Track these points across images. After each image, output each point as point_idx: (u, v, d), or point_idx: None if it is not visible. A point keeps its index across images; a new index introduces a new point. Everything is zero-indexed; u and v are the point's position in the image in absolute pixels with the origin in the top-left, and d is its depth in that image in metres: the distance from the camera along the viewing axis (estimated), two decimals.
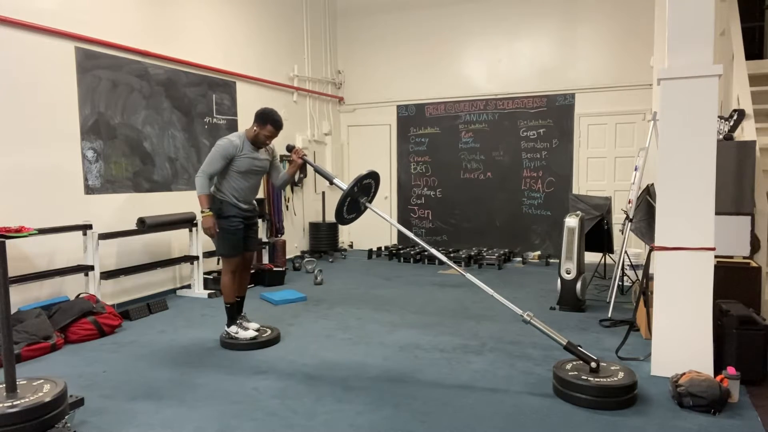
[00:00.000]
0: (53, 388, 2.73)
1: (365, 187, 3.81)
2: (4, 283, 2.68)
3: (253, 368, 3.75)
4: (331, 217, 8.89)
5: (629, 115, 7.58)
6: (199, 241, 5.94)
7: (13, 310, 4.05)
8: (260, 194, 6.95)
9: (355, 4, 9.05)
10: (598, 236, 6.09)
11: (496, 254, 7.74)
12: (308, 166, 4.33)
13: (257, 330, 4.30)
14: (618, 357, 3.81)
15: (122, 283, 5.46)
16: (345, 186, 3.73)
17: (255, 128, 4.14)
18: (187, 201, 6.18)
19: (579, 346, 3.32)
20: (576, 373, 3.21)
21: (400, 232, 9.12)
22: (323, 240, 8.45)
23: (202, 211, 4.05)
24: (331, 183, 4.01)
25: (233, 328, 4.26)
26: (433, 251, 3.70)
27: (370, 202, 3.89)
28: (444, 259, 3.67)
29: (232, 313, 4.29)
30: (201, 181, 4.03)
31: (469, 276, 3.60)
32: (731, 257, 4.24)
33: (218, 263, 6.15)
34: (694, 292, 3.38)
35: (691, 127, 3.34)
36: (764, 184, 4.80)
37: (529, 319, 3.38)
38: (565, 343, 3.27)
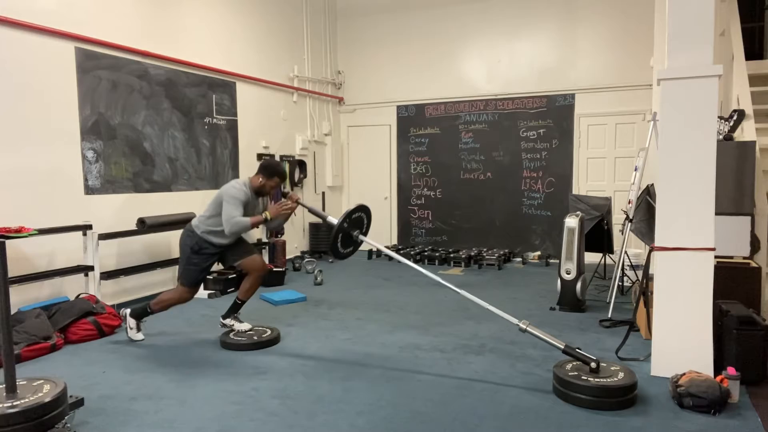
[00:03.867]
0: (53, 388, 2.73)
1: (356, 220, 3.93)
2: (4, 284, 2.68)
3: (253, 368, 3.75)
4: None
5: (629, 115, 7.58)
6: None
7: (13, 311, 4.05)
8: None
9: (355, 5, 9.06)
10: (598, 236, 6.09)
11: (496, 254, 7.74)
12: (307, 209, 4.38)
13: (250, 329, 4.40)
14: (618, 357, 3.81)
15: (122, 284, 5.46)
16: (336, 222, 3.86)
17: (261, 180, 4.20)
18: (187, 201, 6.19)
19: (577, 348, 3.32)
20: (576, 373, 3.21)
21: (400, 233, 9.12)
22: (323, 240, 8.45)
23: (266, 219, 4.08)
24: (325, 221, 4.12)
25: (229, 320, 4.36)
26: (435, 276, 3.81)
27: (366, 233, 4.01)
28: (441, 281, 3.74)
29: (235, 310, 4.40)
30: (237, 222, 4.00)
31: (463, 293, 3.70)
32: (731, 257, 4.24)
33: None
34: (694, 293, 3.38)
35: (691, 128, 3.34)
36: (764, 184, 4.80)
37: (525, 327, 3.40)
38: (563, 347, 3.28)
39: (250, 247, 4.41)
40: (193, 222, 4.25)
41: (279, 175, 4.24)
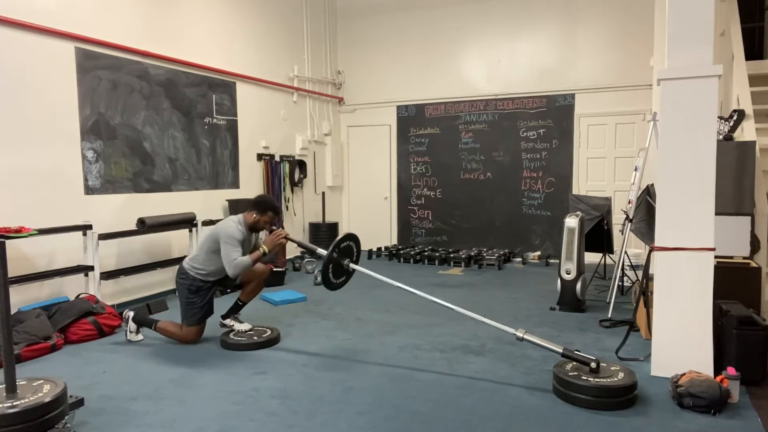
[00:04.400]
0: (53, 388, 2.73)
1: (346, 249, 3.96)
2: (4, 284, 2.68)
3: (253, 368, 3.75)
4: (331, 218, 8.90)
5: (629, 115, 7.58)
6: (199, 242, 5.93)
7: (13, 311, 4.04)
8: (261, 192, 6.93)
9: (355, 5, 9.05)
10: (598, 236, 6.09)
11: (496, 255, 7.74)
12: (296, 244, 4.41)
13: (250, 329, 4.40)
14: (618, 357, 3.81)
15: (122, 284, 5.46)
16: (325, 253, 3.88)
17: (255, 216, 4.18)
18: (186, 201, 6.19)
19: (576, 349, 3.32)
20: (576, 373, 3.20)
21: (400, 233, 9.12)
22: (323, 240, 8.43)
23: (265, 253, 4.06)
24: (314, 254, 4.13)
25: (229, 320, 4.37)
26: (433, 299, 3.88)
27: (356, 261, 4.03)
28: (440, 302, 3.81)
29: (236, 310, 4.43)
30: (238, 263, 3.97)
31: (458, 309, 3.74)
32: (731, 257, 4.24)
33: None
34: (694, 293, 3.37)
35: (691, 128, 3.34)
36: (764, 184, 4.80)
37: (522, 335, 3.40)
38: (561, 351, 3.28)
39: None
40: (185, 264, 4.24)
41: (272, 210, 4.21)
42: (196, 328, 4.26)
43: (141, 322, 4.38)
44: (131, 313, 4.40)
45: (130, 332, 4.35)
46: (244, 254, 4.09)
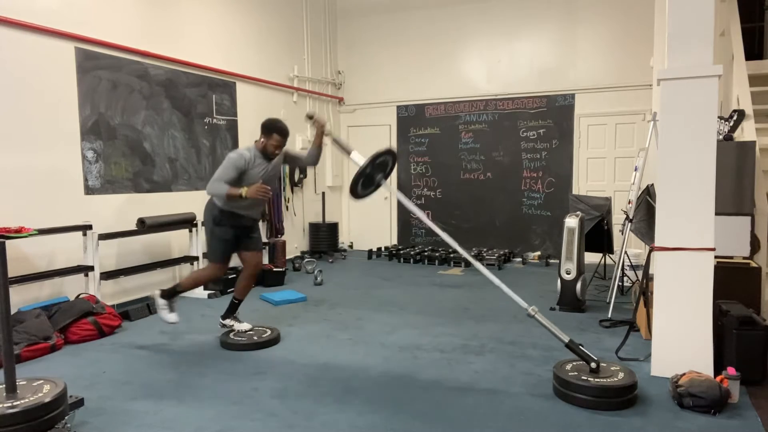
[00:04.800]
0: (53, 388, 2.73)
1: (381, 164, 3.77)
2: (4, 284, 2.68)
3: (253, 368, 3.75)
4: (330, 218, 8.90)
5: (629, 115, 7.58)
6: (199, 242, 5.94)
7: (13, 311, 4.05)
8: None
9: (355, 5, 9.05)
10: (598, 236, 6.09)
11: (496, 254, 7.74)
12: (332, 139, 4.31)
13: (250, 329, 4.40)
14: (618, 357, 3.81)
15: (122, 284, 5.46)
16: (361, 162, 3.66)
17: (262, 140, 4.19)
18: (186, 201, 6.19)
19: (580, 345, 3.32)
20: (576, 373, 3.21)
21: (400, 233, 9.11)
22: (323, 240, 8.44)
23: (241, 196, 3.93)
24: (349, 155, 3.97)
25: (228, 321, 4.38)
26: (458, 247, 3.69)
27: (386, 178, 3.86)
28: (464, 254, 3.68)
29: (233, 309, 4.42)
30: (218, 186, 3.95)
31: (478, 265, 3.61)
32: (731, 258, 4.24)
33: None
34: (694, 293, 3.37)
35: (691, 128, 3.34)
36: (764, 184, 4.80)
37: (533, 313, 3.38)
38: (566, 341, 3.27)
39: (259, 244, 4.45)
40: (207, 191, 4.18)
41: (277, 131, 4.17)
42: (220, 265, 4.25)
43: (168, 294, 4.27)
44: (157, 292, 4.30)
45: (162, 309, 4.26)
46: (252, 181, 4.01)
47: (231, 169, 3.98)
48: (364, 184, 3.76)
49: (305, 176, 8.22)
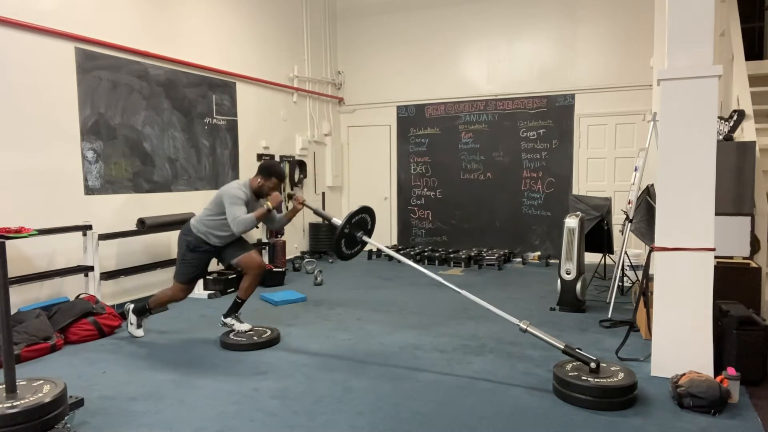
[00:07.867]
0: (53, 388, 2.73)
1: (360, 222, 3.96)
2: (4, 284, 2.68)
3: (253, 368, 3.75)
4: None
5: (629, 115, 7.58)
6: None
7: (13, 311, 4.05)
8: None
9: (355, 5, 9.06)
10: (598, 237, 6.09)
11: (496, 255, 7.74)
12: (313, 211, 4.44)
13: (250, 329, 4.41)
14: (618, 357, 3.81)
15: (122, 284, 5.46)
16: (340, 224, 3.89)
17: (260, 180, 4.24)
18: (186, 201, 6.19)
19: (578, 348, 3.32)
20: (576, 373, 3.20)
21: (400, 233, 9.12)
22: (323, 240, 8.44)
23: (269, 209, 4.14)
24: (330, 222, 4.15)
25: (230, 320, 4.38)
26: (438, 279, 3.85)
27: (370, 235, 4.05)
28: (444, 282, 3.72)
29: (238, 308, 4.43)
30: (242, 219, 4.02)
31: (464, 293, 3.73)
32: (731, 258, 4.24)
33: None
34: (694, 293, 3.37)
35: (691, 128, 3.34)
36: (764, 184, 4.80)
37: (526, 327, 3.41)
38: (562, 347, 3.28)
39: (247, 245, 4.42)
40: (192, 221, 4.29)
41: (277, 176, 4.28)
42: (184, 286, 4.36)
43: (139, 311, 4.47)
44: (131, 305, 4.50)
45: (131, 324, 4.45)
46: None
47: (241, 204, 4.10)
48: (348, 244, 3.95)
49: (305, 176, 8.21)
